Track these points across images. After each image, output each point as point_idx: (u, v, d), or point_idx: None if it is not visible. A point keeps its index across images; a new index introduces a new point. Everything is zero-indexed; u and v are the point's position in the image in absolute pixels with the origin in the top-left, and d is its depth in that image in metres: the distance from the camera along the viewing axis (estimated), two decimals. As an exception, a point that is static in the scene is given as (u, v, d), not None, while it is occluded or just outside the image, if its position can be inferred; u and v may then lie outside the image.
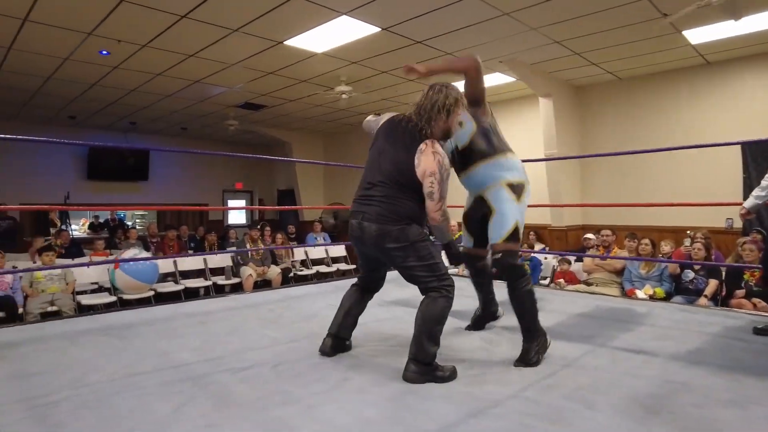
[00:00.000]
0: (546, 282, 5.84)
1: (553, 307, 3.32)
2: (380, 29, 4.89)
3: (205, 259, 6.78)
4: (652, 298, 4.57)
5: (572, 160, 7.11)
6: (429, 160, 2.05)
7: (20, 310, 4.95)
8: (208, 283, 6.61)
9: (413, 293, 3.81)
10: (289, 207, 11.79)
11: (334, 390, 1.88)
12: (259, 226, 7.35)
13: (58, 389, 1.83)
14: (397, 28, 4.89)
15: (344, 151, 11.16)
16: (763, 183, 2.67)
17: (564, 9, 4.44)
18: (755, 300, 4.10)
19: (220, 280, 6.81)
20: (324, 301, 3.56)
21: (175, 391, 1.82)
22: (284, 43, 5.24)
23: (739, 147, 5.87)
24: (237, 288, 6.82)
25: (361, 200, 2.20)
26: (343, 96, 6.72)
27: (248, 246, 7.03)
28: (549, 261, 6.07)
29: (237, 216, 13.16)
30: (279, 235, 7.84)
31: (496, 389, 1.90)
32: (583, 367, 2.14)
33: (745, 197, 5.87)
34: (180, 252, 7.24)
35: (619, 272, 5.18)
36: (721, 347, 2.41)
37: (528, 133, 7.47)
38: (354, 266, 8.88)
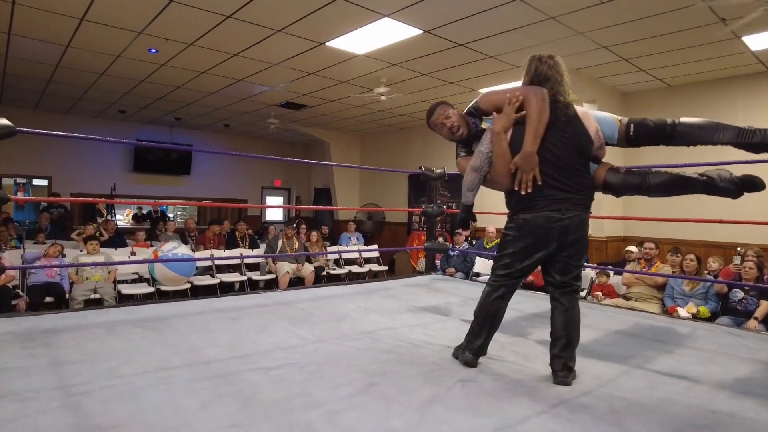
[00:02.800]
0: (583, 294, 5.67)
1: (590, 322, 3.20)
2: (422, 31, 4.86)
3: (241, 254, 6.93)
4: (695, 317, 4.36)
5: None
6: None
7: (67, 296, 5.19)
8: (243, 278, 6.75)
9: (444, 300, 3.80)
10: (323, 207, 11.92)
11: (360, 395, 1.87)
12: (294, 224, 7.45)
13: (94, 379, 1.90)
14: (439, 31, 4.85)
15: (380, 151, 11.20)
16: None
17: (613, 14, 4.29)
18: (811, 325, 3.84)
19: (255, 276, 6.94)
20: (355, 303, 3.56)
21: (203, 388, 1.85)
22: (326, 44, 5.29)
23: (798, 161, 5.51)
24: (271, 284, 6.94)
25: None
26: (382, 98, 6.72)
27: (282, 243, 7.13)
28: (587, 273, 5.88)
29: (274, 212, 13.40)
30: (314, 234, 7.93)
31: (527, 404, 1.84)
32: (618, 389, 2.05)
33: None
34: (219, 247, 7.42)
35: (661, 287, 4.97)
36: (771, 375, 2.26)
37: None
38: (386, 267, 8.89)
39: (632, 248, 5.85)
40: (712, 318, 4.37)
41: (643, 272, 4.99)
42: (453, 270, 6.85)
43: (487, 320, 2.19)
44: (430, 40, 5.10)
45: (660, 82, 6.35)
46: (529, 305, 3.67)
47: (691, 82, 6.32)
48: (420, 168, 4.84)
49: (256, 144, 12.41)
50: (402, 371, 2.14)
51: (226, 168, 12.14)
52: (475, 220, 8.61)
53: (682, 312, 4.44)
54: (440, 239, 6.88)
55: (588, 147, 2.14)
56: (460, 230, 7.88)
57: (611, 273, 5.55)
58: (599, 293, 5.36)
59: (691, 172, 2.24)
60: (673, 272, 5.02)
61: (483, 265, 6.88)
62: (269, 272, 7.02)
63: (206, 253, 6.88)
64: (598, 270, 5.72)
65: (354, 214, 11.22)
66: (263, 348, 2.40)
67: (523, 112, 2.04)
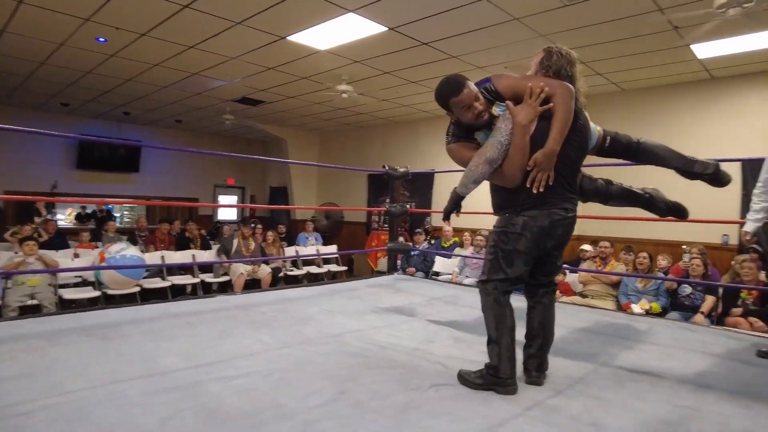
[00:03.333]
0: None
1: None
2: (387, 28, 4.80)
3: (194, 256, 6.65)
4: (648, 312, 4.52)
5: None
6: None
7: None
8: (196, 280, 6.48)
9: (408, 300, 3.76)
10: (280, 206, 11.67)
11: (331, 403, 1.78)
12: (252, 224, 7.22)
13: (34, 397, 1.71)
14: (404, 28, 4.81)
15: (340, 150, 11.07)
16: (754, 206, 2.64)
17: (575, 17, 4.37)
18: (752, 319, 4.05)
19: (209, 278, 6.68)
20: (318, 305, 3.46)
21: (161, 402, 1.71)
22: (287, 38, 5.13)
23: (738, 163, 5.85)
24: (225, 286, 6.70)
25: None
26: (344, 95, 6.62)
27: (237, 243, 6.90)
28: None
29: (227, 212, 13.02)
30: (270, 234, 7.71)
31: (502, 406, 1.81)
32: (588, 387, 2.06)
33: (742, 214, 5.89)
34: (169, 247, 7.10)
35: (616, 285, 5.13)
36: (728, 370, 2.35)
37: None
38: (345, 268, 8.79)
39: (587, 247, 6.02)
40: (663, 313, 4.55)
41: (602, 271, 5.14)
42: (413, 269, 6.85)
43: (510, 333, 1.99)
44: (394, 38, 5.05)
45: (615, 86, 6.57)
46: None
47: (643, 86, 6.58)
48: (383, 167, 4.79)
49: (209, 141, 11.99)
50: (372, 376, 2.07)
51: (177, 165, 11.65)
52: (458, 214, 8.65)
53: (636, 308, 4.60)
54: (400, 239, 6.85)
55: (588, 151, 2.18)
56: (420, 230, 7.90)
57: (567, 272, 5.69)
58: (557, 292, 5.47)
59: (637, 187, 2.62)
60: (627, 270, 5.20)
61: (443, 265, 6.91)
62: (224, 274, 6.77)
63: (156, 255, 6.55)
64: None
65: (312, 213, 11.05)
66: (224, 355, 2.26)
67: (549, 105, 1.91)
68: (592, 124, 2.23)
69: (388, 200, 9.87)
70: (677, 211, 2.63)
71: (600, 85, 6.59)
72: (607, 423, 1.70)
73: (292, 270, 7.66)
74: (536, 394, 1.96)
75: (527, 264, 2.00)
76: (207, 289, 6.51)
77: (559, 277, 5.65)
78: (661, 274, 4.84)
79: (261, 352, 2.35)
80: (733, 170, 5.83)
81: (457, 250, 7.02)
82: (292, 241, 8.93)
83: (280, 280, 7.14)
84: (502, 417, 1.73)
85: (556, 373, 2.19)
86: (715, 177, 2.34)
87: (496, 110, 2.01)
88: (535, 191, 1.91)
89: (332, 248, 8.89)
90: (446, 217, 2.13)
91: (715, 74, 5.93)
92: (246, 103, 8.23)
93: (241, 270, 6.62)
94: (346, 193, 10.93)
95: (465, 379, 2.03)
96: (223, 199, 12.86)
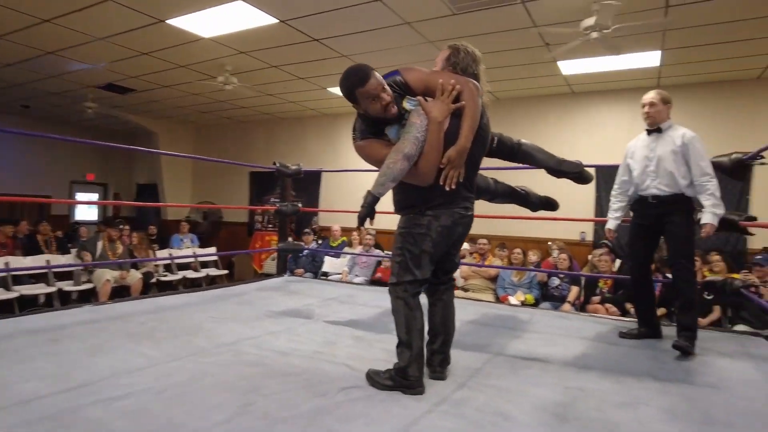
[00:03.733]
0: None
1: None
2: (278, 21, 4.62)
3: (48, 261, 5.78)
4: (523, 303, 4.94)
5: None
6: None
7: None
8: (52, 289, 5.64)
9: (303, 302, 3.65)
10: (151, 204, 10.69)
11: (237, 418, 1.63)
12: (120, 227, 6.47)
13: None
14: (295, 22, 4.66)
15: (218, 146, 10.44)
16: (613, 206, 3.02)
17: (461, 26, 4.61)
18: (607, 305, 4.64)
19: (68, 286, 5.85)
20: (205, 312, 3.20)
21: (27, 436, 1.43)
22: (166, 21, 4.68)
23: (593, 169, 6.65)
24: (88, 296, 5.93)
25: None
26: (226, 87, 6.24)
27: (102, 246, 6.15)
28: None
29: (86, 212, 11.59)
30: (135, 235, 6.97)
31: (412, 404, 1.82)
32: (487, 378, 2.16)
33: (597, 214, 6.73)
34: (14, 252, 6.08)
35: (493, 279, 5.53)
36: (600, 351, 2.63)
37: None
38: (226, 271, 8.31)
39: (465, 245, 6.42)
40: (536, 304, 5.01)
41: (483, 265, 5.48)
42: (302, 271, 6.70)
43: (420, 336, 1.99)
44: (284, 31, 4.88)
45: (489, 94, 7.06)
46: (386, 301, 3.72)
47: (516, 96, 7.18)
48: (274, 164, 4.59)
49: (65, 131, 10.49)
50: (276, 385, 1.95)
51: (24, 158, 10.05)
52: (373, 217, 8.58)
53: (513, 300, 5.00)
54: (289, 239, 6.66)
55: (486, 149, 2.23)
56: (308, 230, 7.76)
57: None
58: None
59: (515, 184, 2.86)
60: (503, 265, 5.64)
61: (331, 265, 6.86)
62: (87, 281, 5.98)
63: (-2, 261, 5.57)
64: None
65: (187, 213, 10.29)
66: (102, 374, 1.97)
67: (461, 103, 1.90)
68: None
69: (273, 199, 9.60)
70: (549, 205, 2.92)
71: (478, 93, 7.06)
72: (510, 411, 1.79)
73: (165, 275, 7.03)
74: (442, 389, 2.00)
75: (432, 263, 2.02)
76: (65, 300, 5.70)
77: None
78: (534, 269, 5.31)
79: (147, 367, 2.09)
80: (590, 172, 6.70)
81: (347, 250, 7.02)
82: (164, 243, 8.20)
83: (152, 287, 6.52)
84: (414, 415, 1.73)
85: (455, 365, 2.26)
86: (581, 176, 2.60)
87: (406, 105, 1.97)
88: (447, 189, 1.90)
89: (211, 250, 8.36)
90: (361, 223, 1.99)
91: (576, 89, 6.69)
92: (113, 90, 7.37)
93: (107, 276, 5.91)
94: (225, 192, 10.35)
95: (373, 379, 2.00)
96: (81, 197, 11.41)
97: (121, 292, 6.04)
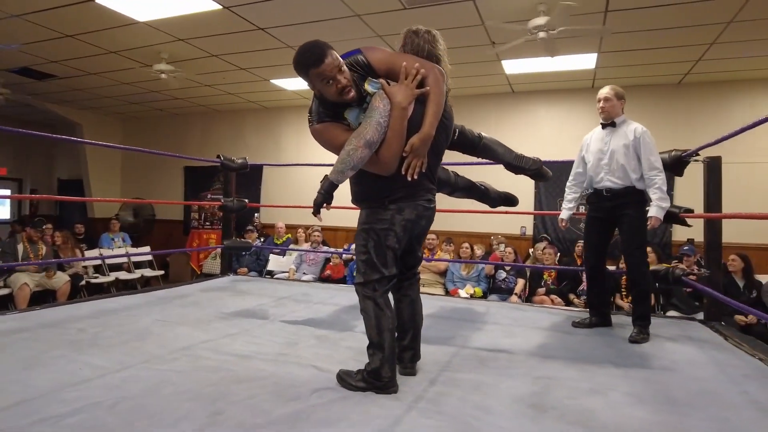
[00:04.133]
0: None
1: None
2: (221, 7, 4.37)
3: (-45, 265, 5.16)
4: (472, 296, 5.03)
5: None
6: None
7: None
8: (-40, 296, 5.04)
9: (255, 302, 3.49)
10: (78, 198, 9.88)
11: (209, 428, 1.51)
12: (40, 224, 5.89)
13: None
14: (240, 9, 4.44)
15: (149, 139, 9.79)
16: (567, 197, 3.14)
17: (411, 21, 4.56)
18: (552, 296, 4.83)
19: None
20: (150, 316, 2.97)
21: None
22: (97, 1, 4.28)
23: (532, 166, 6.92)
24: (4, 301, 5.37)
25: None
26: (163, 76, 5.86)
27: (23, 248, 5.59)
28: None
29: (-3, 209, 10.53)
30: (59, 234, 6.36)
31: (390, 404, 1.77)
32: (458, 372, 2.16)
33: (536, 209, 7.00)
34: None
35: (442, 273, 5.60)
36: (559, 341, 2.71)
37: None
38: (162, 272, 7.84)
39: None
40: (484, 296, 5.12)
41: (432, 259, 5.53)
42: (245, 270, 6.45)
43: (391, 335, 1.89)
44: (228, 18, 4.64)
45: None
46: (343, 299, 3.66)
47: (458, 95, 7.27)
48: (218, 157, 4.36)
49: (-32, 120, 9.48)
50: (244, 391, 1.83)
51: None
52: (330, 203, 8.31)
53: (462, 293, 5.08)
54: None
55: (450, 139, 2.18)
56: (251, 227, 7.48)
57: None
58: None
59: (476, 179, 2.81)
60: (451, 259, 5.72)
61: (277, 263, 6.67)
62: (5, 286, 5.41)
63: None
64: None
65: (115, 210, 9.60)
66: (42, 389, 1.76)
67: (426, 89, 1.82)
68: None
69: (210, 195, 9.17)
70: (508, 200, 2.95)
71: (423, 89, 7.11)
72: (489, 404, 1.78)
73: (96, 277, 6.52)
74: (415, 385, 1.96)
75: (397, 259, 1.96)
76: (-25, 307, 5.11)
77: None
78: (482, 261, 5.43)
79: (95, 378, 1.89)
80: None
81: (292, 247, 6.84)
82: (93, 243, 7.60)
83: (80, 290, 6.01)
84: (395, 415, 1.68)
85: (423, 360, 2.24)
86: (539, 172, 2.65)
87: (369, 87, 1.85)
88: (409, 179, 1.82)
89: (145, 249, 7.85)
90: (317, 211, 1.88)
91: (515, 89, 6.91)
92: (28, 75, 6.69)
93: (24, 280, 5.37)
94: (158, 188, 9.76)
95: (345, 381, 1.92)
96: (-11, 193, 10.33)
97: (45, 297, 5.52)
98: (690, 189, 4.36)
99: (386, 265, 1.89)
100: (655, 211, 2.68)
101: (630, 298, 4.50)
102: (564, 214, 3.13)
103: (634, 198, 2.79)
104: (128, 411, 1.60)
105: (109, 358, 2.14)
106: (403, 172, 1.83)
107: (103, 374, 1.93)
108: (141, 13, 4.57)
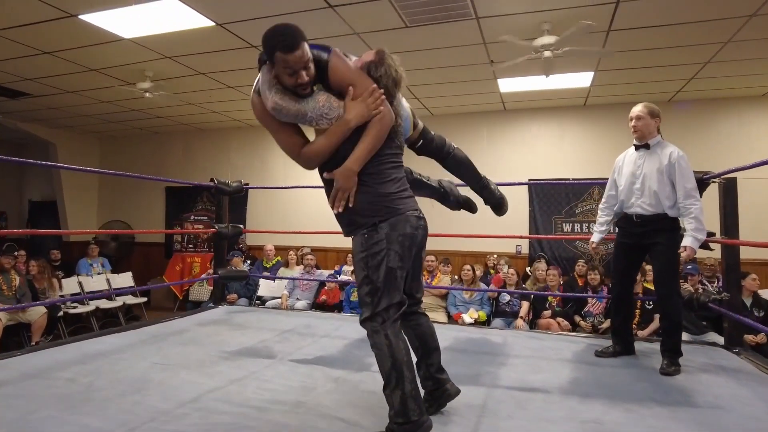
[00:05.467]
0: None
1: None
2: (214, 24, 4.18)
3: None
4: (476, 321, 4.87)
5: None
6: None
7: None
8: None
9: (257, 337, 3.25)
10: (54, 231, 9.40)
11: None
12: (15, 253, 5.51)
13: None
14: (233, 26, 4.26)
15: (127, 159, 9.42)
16: (599, 219, 2.99)
17: (412, 39, 4.48)
18: (559, 319, 4.70)
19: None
20: (147, 359, 2.70)
21: None
22: (79, 17, 4.04)
23: (525, 186, 6.87)
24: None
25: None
26: (147, 95, 5.60)
27: (-5, 278, 5.20)
28: (376, 287, 6.04)
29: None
30: (33, 264, 5.89)
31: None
32: (497, 417, 1.99)
33: (530, 228, 6.92)
34: None
35: (444, 297, 5.43)
36: (589, 375, 2.55)
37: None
38: (145, 299, 7.47)
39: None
40: (488, 320, 4.96)
41: (435, 286, 5.36)
42: (235, 296, 6.15)
43: (409, 369, 1.71)
44: (220, 36, 4.44)
45: (426, 110, 7.06)
46: (348, 330, 3.45)
47: (450, 113, 7.23)
48: (211, 180, 4.13)
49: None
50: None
51: None
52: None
53: (467, 318, 4.92)
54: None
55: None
56: (236, 250, 7.20)
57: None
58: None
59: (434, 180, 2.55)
60: (451, 280, 5.56)
61: (268, 288, 6.40)
62: (-28, 321, 5.00)
63: None
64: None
65: (92, 234, 9.18)
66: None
67: (373, 121, 1.72)
68: (409, 112, 2.17)
69: (193, 216, 8.84)
70: (467, 206, 2.65)
71: (414, 108, 7.00)
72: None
73: (75, 306, 6.13)
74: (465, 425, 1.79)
75: (404, 279, 1.80)
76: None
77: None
78: (484, 285, 5.28)
79: (96, 445, 1.65)
80: (522, 190, 6.91)
81: (282, 270, 6.58)
82: (69, 269, 7.18)
83: (58, 322, 5.63)
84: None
85: (458, 404, 2.06)
86: (498, 204, 2.48)
87: (316, 89, 1.76)
88: (335, 212, 1.77)
89: (127, 275, 7.48)
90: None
91: (508, 107, 6.87)
92: (1, 94, 6.34)
93: (-4, 314, 4.98)
94: (137, 210, 9.37)
95: None
96: (-46, 217, 9.76)
97: (17, 331, 5.13)
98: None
99: (392, 290, 1.73)
100: (690, 241, 2.55)
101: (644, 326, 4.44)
102: (595, 237, 2.99)
103: (666, 225, 2.64)
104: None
105: (106, 417, 1.89)
106: (329, 203, 1.77)
107: (102, 440, 1.69)
108: (127, 30, 4.33)
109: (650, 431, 1.86)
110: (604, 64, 5.14)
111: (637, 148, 2.76)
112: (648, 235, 2.66)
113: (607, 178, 2.98)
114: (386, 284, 1.71)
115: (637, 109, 2.72)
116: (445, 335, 3.35)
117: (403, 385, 1.66)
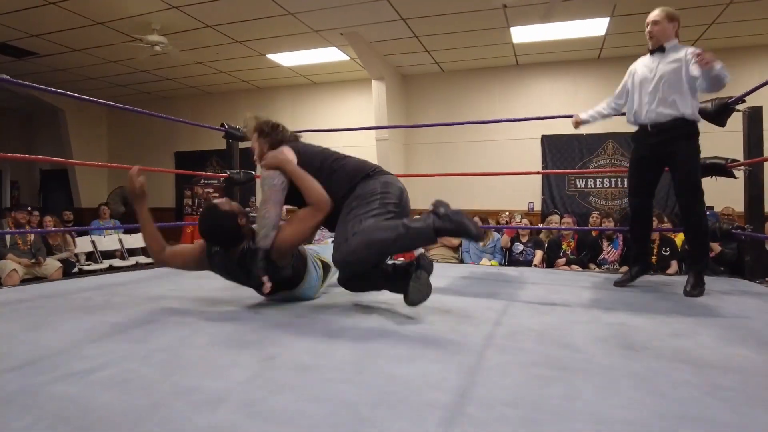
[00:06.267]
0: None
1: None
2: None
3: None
4: (489, 269, 4.83)
5: (399, 148, 7.26)
6: None
7: None
8: (-57, 283, 4.69)
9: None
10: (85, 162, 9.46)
11: (265, 373, 1.27)
12: (30, 209, 5.52)
13: None
14: (240, -33, 4.17)
15: (137, 126, 9.42)
16: (597, 107, 2.83)
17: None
18: (573, 266, 4.65)
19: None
20: (161, 287, 2.69)
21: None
22: (82, -43, 3.98)
23: (538, 141, 6.76)
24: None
25: None
26: (156, 48, 5.53)
27: (11, 235, 5.23)
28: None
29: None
30: (48, 219, 5.99)
31: (464, 339, 1.55)
32: (517, 317, 1.96)
33: (543, 185, 6.84)
34: None
35: (455, 248, 5.39)
36: (611, 295, 2.51)
37: (357, 117, 7.44)
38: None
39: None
40: (501, 269, 4.93)
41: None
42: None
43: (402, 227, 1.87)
44: (226, -22, 4.36)
45: (436, 65, 6.93)
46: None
47: (461, 68, 7.09)
48: (222, 125, 4.07)
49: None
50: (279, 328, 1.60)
51: None
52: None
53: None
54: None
55: None
56: (249, 209, 7.18)
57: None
58: (402, 258, 5.51)
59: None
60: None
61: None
62: (-10, 272, 5.06)
63: None
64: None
65: (104, 199, 9.24)
66: (57, 347, 1.50)
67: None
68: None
69: (203, 180, 8.83)
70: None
71: (424, 64, 6.89)
72: (573, 342, 1.60)
73: (89, 264, 6.18)
74: (481, 326, 1.78)
75: None
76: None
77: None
78: (497, 234, 5.21)
79: (115, 333, 1.64)
80: (534, 147, 6.81)
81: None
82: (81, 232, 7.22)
83: (73, 277, 5.67)
84: (476, 351, 1.46)
85: (475, 307, 2.11)
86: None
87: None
88: None
89: (136, 237, 7.50)
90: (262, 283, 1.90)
91: (521, 61, 6.72)
92: (7, 53, 6.29)
93: (12, 266, 5.03)
94: (148, 177, 9.35)
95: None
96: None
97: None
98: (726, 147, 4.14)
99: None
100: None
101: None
102: (583, 114, 2.84)
103: (685, 131, 2.45)
104: (165, 362, 1.35)
105: (126, 315, 1.89)
106: None
107: (125, 329, 1.69)
108: (133, -27, 4.26)
109: (677, 331, 1.81)
110: (619, 8, 4.98)
111: (651, 53, 2.56)
112: (665, 144, 2.48)
113: (621, 132, 2.85)
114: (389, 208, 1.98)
115: (654, 13, 2.51)
116: (460, 270, 3.35)
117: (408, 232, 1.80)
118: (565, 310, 2.15)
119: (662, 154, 2.53)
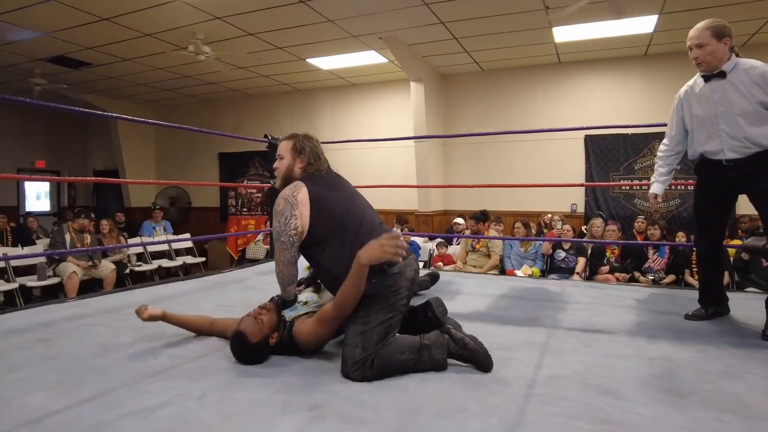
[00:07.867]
0: (422, 265, 5.80)
1: (471, 290, 3.15)
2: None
3: (5, 254, 5.18)
4: (530, 276, 4.78)
5: (437, 149, 7.23)
6: None
7: None
8: (13, 285, 5.05)
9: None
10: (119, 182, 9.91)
11: (312, 425, 1.33)
12: (82, 213, 5.85)
13: None
14: (280, -20, 4.24)
15: (180, 130, 9.75)
16: (660, 168, 2.48)
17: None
18: (617, 274, 4.55)
19: (31, 282, 5.27)
20: (212, 301, 2.83)
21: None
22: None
23: (581, 142, 6.59)
24: (54, 291, 5.37)
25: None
26: (200, 57, 5.71)
27: (70, 237, 5.57)
28: (426, 245, 6.05)
29: (37, 203, 10.70)
30: (104, 222, 6.37)
31: (503, 390, 1.57)
32: (561, 353, 1.95)
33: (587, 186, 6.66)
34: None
35: (489, 256, 5.35)
36: (657, 319, 2.46)
37: (396, 118, 7.46)
38: (203, 259, 7.83)
39: (459, 220, 6.21)
40: (542, 276, 4.87)
41: (482, 236, 5.27)
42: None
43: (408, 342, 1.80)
44: (267, -9, 4.44)
45: (476, 65, 6.84)
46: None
47: (500, 67, 6.97)
48: (265, 136, 4.18)
49: (6, 114, 9.58)
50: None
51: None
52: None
53: (519, 273, 4.84)
54: (268, 224, 6.27)
55: None
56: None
57: (447, 244, 5.81)
58: (440, 263, 5.53)
59: None
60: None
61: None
62: (54, 275, 5.41)
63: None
64: (433, 241, 5.94)
65: (152, 199, 9.66)
66: (121, 379, 1.61)
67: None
68: None
69: (246, 181, 9.08)
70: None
71: (463, 63, 6.80)
72: (615, 388, 1.58)
73: (139, 265, 6.50)
74: (521, 368, 1.76)
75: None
76: (27, 297, 5.13)
77: (441, 250, 5.73)
78: (539, 242, 5.15)
79: (173, 367, 1.74)
80: (578, 147, 6.64)
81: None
82: (133, 232, 7.60)
83: (125, 279, 5.99)
84: (517, 402, 1.48)
85: (515, 339, 2.08)
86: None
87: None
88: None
89: (186, 236, 7.84)
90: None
91: (563, 59, 6.54)
92: (64, 64, 6.64)
93: (72, 269, 5.36)
94: (193, 176, 9.73)
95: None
96: (30, 186, 10.48)
97: (91, 286, 5.51)
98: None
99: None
100: None
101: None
102: (656, 188, 2.44)
103: (766, 162, 2.07)
104: (219, 405, 1.44)
105: (180, 344, 2.00)
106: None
107: (181, 363, 1.79)
108: (179, -10, 4.40)
109: (726, 369, 1.77)
110: (669, 5, 4.77)
111: (707, 79, 2.16)
112: (744, 179, 2.14)
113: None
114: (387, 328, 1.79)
115: (696, 34, 2.10)
116: (500, 284, 3.33)
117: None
118: (607, 339, 2.12)
119: (738, 188, 2.24)
